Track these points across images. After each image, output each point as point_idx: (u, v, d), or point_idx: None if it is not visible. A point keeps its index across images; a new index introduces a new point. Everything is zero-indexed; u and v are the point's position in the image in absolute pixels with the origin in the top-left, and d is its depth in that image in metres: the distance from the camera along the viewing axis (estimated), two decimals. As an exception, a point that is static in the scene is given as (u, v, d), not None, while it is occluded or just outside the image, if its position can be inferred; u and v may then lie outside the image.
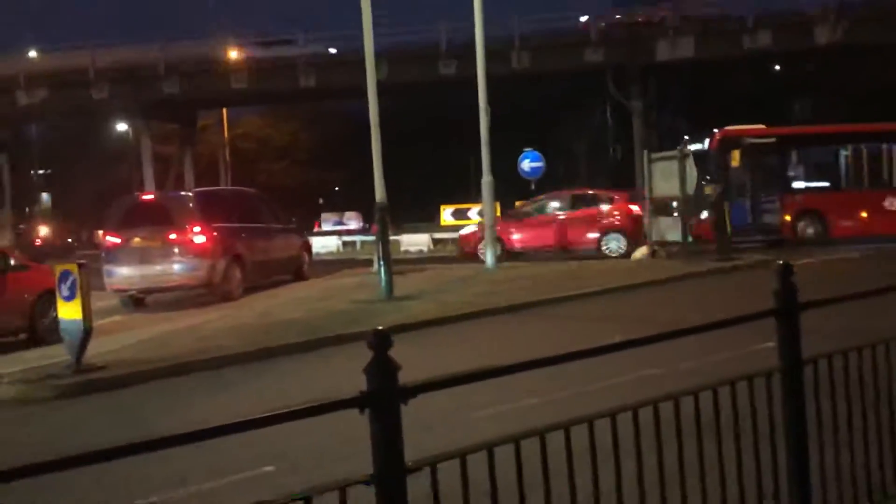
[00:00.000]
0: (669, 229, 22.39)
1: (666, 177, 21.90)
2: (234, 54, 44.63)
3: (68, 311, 10.68)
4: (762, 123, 29.23)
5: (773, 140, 27.29)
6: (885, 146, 27.49)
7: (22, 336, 14.60)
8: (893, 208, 26.58)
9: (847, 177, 27.71)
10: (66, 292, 10.64)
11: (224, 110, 53.42)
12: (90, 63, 42.38)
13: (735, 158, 27.00)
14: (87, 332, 10.73)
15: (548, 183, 38.94)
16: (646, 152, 23.63)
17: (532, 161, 30.49)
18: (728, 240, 22.44)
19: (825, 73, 52.22)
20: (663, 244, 22.72)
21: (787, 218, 26.94)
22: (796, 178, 27.63)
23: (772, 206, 27.09)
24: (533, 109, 57.11)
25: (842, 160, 27.73)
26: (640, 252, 23.06)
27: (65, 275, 10.67)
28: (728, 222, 22.67)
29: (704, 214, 24.94)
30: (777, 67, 53.34)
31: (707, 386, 3.91)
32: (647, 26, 41.32)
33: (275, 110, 66.48)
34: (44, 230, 56.14)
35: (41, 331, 14.37)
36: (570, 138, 59.45)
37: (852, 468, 4.46)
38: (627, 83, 42.31)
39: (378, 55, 19.07)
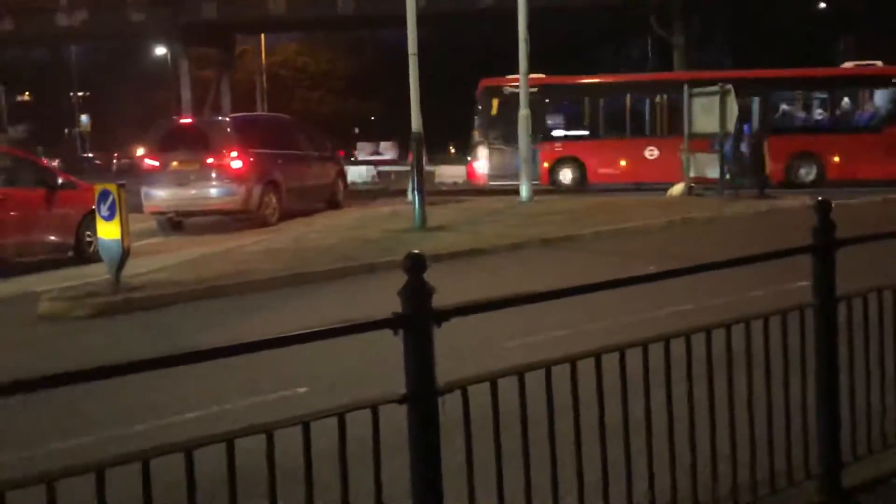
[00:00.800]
0: (707, 166, 22.19)
1: (706, 113, 21.65)
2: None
3: (107, 231, 10.81)
4: (806, 62, 28.89)
5: (533, 89, 27.55)
6: (647, 96, 28.07)
7: (69, 254, 14.81)
8: (654, 157, 26.76)
9: (606, 126, 27.95)
10: (105, 212, 10.76)
11: (262, 36, 53.17)
12: (130, -15, 42.26)
13: (495, 107, 27.74)
14: (125, 252, 10.87)
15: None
16: (686, 87, 23.31)
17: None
18: (766, 179, 22.24)
19: (871, 11, 51.02)
20: (701, 181, 22.55)
21: (546, 165, 27.45)
22: (555, 127, 27.50)
23: (532, 154, 27.42)
24: (574, 43, 56.36)
25: (601, 109, 28.07)
26: (676, 188, 22.88)
27: (104, 194, 10.78)
28: (766, 162, 22.44)
29: (480, 159, 26.12)
30: (823, 4, 52.18)
31: (740, 319, 3.92)
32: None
33: (312, 38, 66.10)
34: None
35: (87, 249, 14.56)
36: (611, 72, 58.77)
37: (883, 406, 4.47)
38: (670, 17, 41.57)
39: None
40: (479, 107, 28.15)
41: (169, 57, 50.58)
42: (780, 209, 19.65)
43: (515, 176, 25.54)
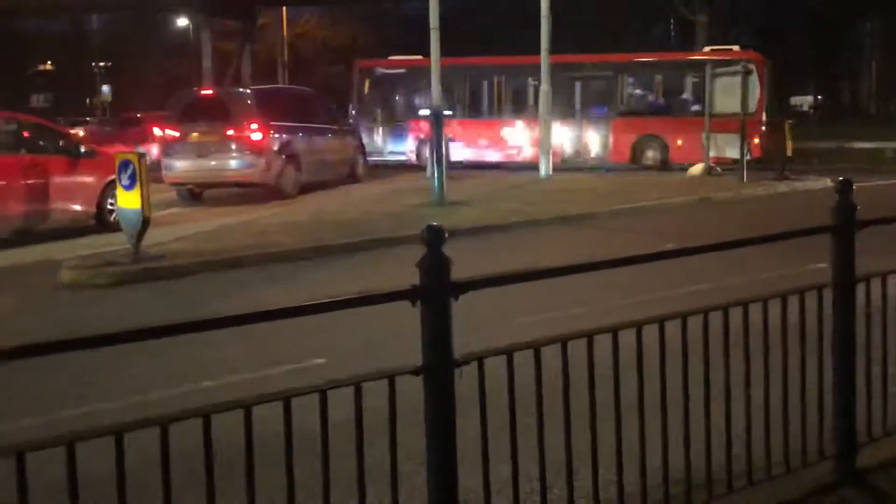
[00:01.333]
0: (728, 146, 22.06)
1: (728, 92, 21.50)
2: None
3: (128, 200, 10.85)
4: (830, 43, 28.61)
5: (402, 70, 28.53)
6: (502, 79, 28.70)
7: (92, 222, 14.87)
8: (508, 137, 27.36)
9: (468, 107, 28.46)
10: (125, 181, 10.80)
11: (283, 9, 53.04)
12: (151, -45, 42.22)
13: (367, 87, 29.03)
14: (145, 222, 10.91)
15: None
16: (708, 66, 23.13)
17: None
18: (787, 160, 22.10)
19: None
20: (720, 160, 22.43)
21: (413, 142, 27.97)
22: (423, 107, 27.60)
23: (402, 132, 28.40)
24: (598, 22, 56.00)
25: (465, 91, 28.53)
26: (696, 168, 22.77)
27: (125, 164, 10.82)
28: (790, 143, 22.28)
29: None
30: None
31: (757, 298, 3.91)
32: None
33: (334, 11, 65.87)
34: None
35: (108, 217, 14.60)
36: (632, 49, 58.35)
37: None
38: (693, -4, 41.21)
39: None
40: (355, 86, 29.33)
41: (190, 28, 50.55)
42: (800, 191, 19.55)
43: (385, 152, 27.84)
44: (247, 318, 2.69)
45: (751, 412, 3.86)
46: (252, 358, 6.67)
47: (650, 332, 3.55)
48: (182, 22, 52.85)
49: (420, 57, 25.52)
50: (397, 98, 29.49)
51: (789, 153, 22.33)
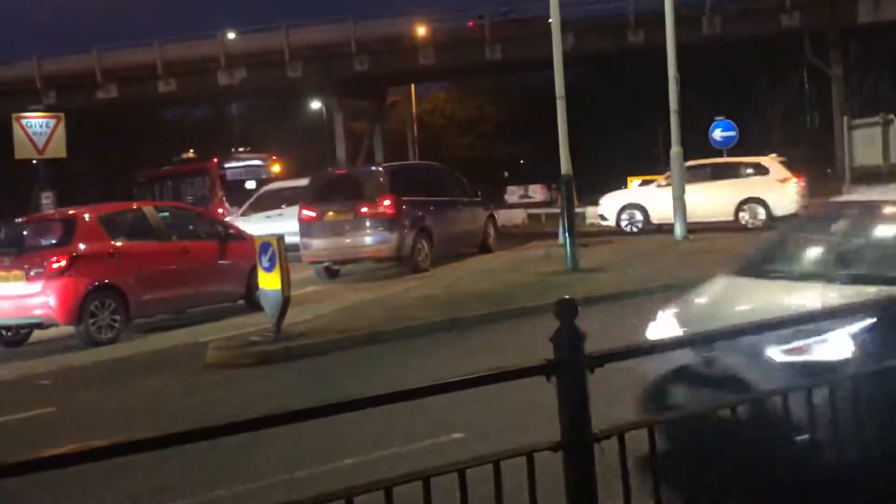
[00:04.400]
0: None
1: (867, 144, 20.86)
2: (421, 30, 45.25)
3: (268, 281, 11.19)
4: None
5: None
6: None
7: (240, 302, 15.40)
8: None
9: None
10: (266, 263, 11.15)
11: (412, 86, 54.30)
12: (285, 43, 43.89)
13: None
14: (285, 301, 11.21)
15: (741, 152, 37.72)
16: (845, 119, 22.54)
17: (724, 130, 29.55)
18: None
19: None
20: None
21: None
22: None
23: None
24: (725, 77, 55.35)
25: None
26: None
27: (265, 246, 11.18)
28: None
29: None
30: None
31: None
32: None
33: (461, 85, 67.06)
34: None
35: (256, 297, 15.07)
36: (764, 106, 57.28)
37: None
38: (826, 47, 40.32)
39: (564, 25, 18.94)
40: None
41: (324, 110, 52.19)
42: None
43: None
44: (383, 398, 2.73)
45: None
46: (392, 433, 6.72)
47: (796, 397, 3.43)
48: (315, 105, 54.66)
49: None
50: None
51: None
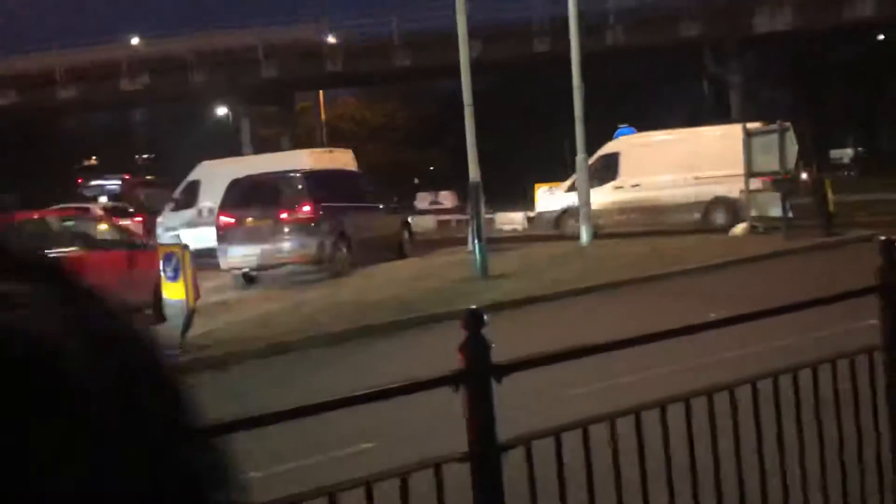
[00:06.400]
0: (769, 205, 21.92)
1: (765, 151, 21.43)
2: (330, 37, 45.11)
3: (172, 291, 11.00)
4: (866, 94, 28.36)
5: None
6: None
7: (147, 312, 15.04)
8: None
9: None
10: (170, 273, 10.95)
11: (321, 92, 54.06)
12: (190, 49, 43.30)
13: None
14: (190, 312, 11.03)
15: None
16: (744, 126, 23.12)
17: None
18: (830, 216, 21.91)
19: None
20: (763, 220, 22.27)
21: None
22: None
23: None
24: (628, 85, 56.37)
25: None
26: (739, 228, 22.62)
27: (168, 256, 10.99)
28: (830, 201, 22.11)
29: None
30: (881, 37, 51.52)
31: (806, 364, 3.84)
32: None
33: (370, 91, 67.02)
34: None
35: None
36: (666, 113, 58.59)
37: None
38: (725, 57, 41.41)
39: (472, 33, 19.08)
40: None
41: (230, 117, 51.60)
42: (845, 246, 19.29)
43: None
44: (287, 414, 2.69)
45: (808, 485, 3.77)
46: (298, 445, 6.64)
47: (699, 403, 3.49)
48: (222, 111, 54.00)
49: None
50: None
51: (831, 208, 22.16)
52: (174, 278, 10.93)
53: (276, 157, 28.09)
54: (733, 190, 23.63)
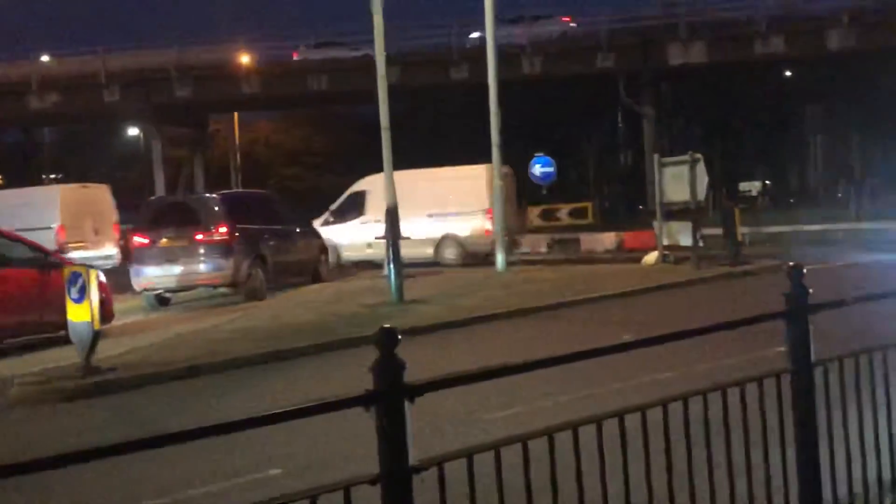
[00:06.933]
0: (680, 234, 22.33)
1: (676, 182, 21.84)
2: (244, 58, 44.73)
3: (77, 314, 10.68)
4: (775, 129, 29.14)
5: None
6: None
7: (62, 332, 14.52)
8: None
9: None
10: (75, 294, 10.64)
11: (235, 114, 53.51)
12: (101, 67, 42.51)
13: None
14: (95, 335, 10.72)
15: (559, 188, 38.88)
16: (656, 157, 23.56)
17: (543, 166, 30.45)
18: (738, 245, 22.42)
19: (838, 79, 52.05)
20: (673, 248, 22.67)
21: None
22: None
23: None
24: (545, 115, 57.05)
25: None
26: (651, 256, 22.99)
27: (74, 277, 10.68)
28: (738, 229, 22.63)
29: None
30: (788, 73, 53.16)
31: (716, 387, 3.88)
32: (658, 30, 41.19)
33: (287, 115, 66.59)
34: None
35: None
36: (582, 143, 59.41)
37: (864, 473, 4.41)
38: (639, 88, 42.20)
39: (390, 59, 19.10)
40: None
41: (141, 137, 50.76)
42: (753, 275, 19.74)
43: None
44: (193, 433, 2.59)
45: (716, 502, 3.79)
46: (207, 470, 6.49)
47: (611, 425, 3.50)
48: (133, 132, 53.11)
49: None
50: None
51: (739, 238, 22.71)
52: (80, 300, 10.61)
53: (27, 191, 27.20)
54: (464, 228, 26.16)
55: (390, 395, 2.86)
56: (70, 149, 62.09)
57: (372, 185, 25.76)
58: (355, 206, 27.42)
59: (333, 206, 28.41)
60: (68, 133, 63.29)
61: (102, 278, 15.48)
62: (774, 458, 4.03)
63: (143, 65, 42.73)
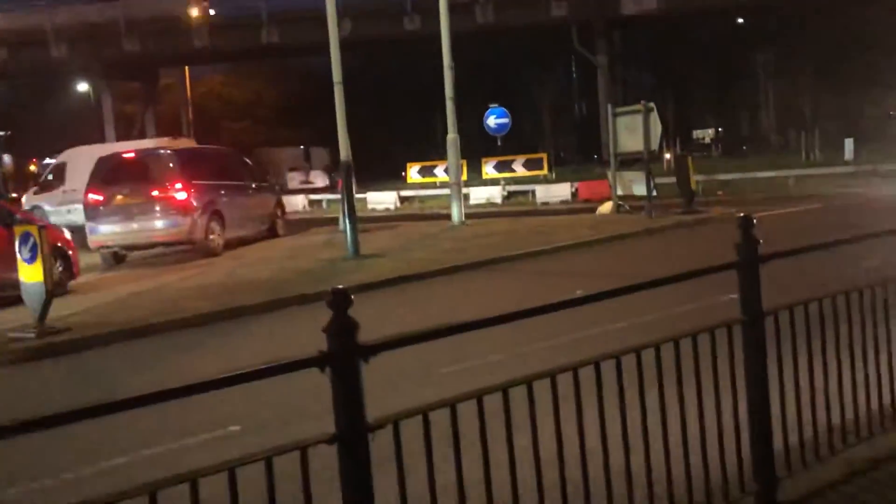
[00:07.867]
0: (634, 183, 22.46)
1: (630, 132, 21.90)
2: (195, 11, 43.98)
3: (29, 273, 10.54)
4: (727, 75, 29.30)
5: None
6: None
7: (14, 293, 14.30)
8: None
9: None
10: (26, 254, 10.48)
11: (186, 68, 52.73)
12: (48, 22, 41.63)
13: None
14: (48, 295, 10.60)
15: (514, 139, 38.84)
16: (609, 107, 23.61)
17: (498, 117, 30.37)
18: (692, 193, 22.60)
19: (789, 27, 52.33)
20: (627, 198, 22.81)
21: None
22: None
23: None
24: (499, 66, 56.84)
25: None
26: (605, 207, 23.12)
27: (25, 236, 10.52)
28: (692, 178, 22.79)
29: None
30: (740, 20, 53.34)
31: (669, 338, 3.93)
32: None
33: (238, 68, 65.72)
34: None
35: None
36: (536, 94, 59.34)
37: (814, 419, 4.51)
38: (593, 38, 42.15)
39: (341, 11, 18.88)
40: None
41: (91, 93, 49.89)
42: (707, 224, 19.93)
43: None
44: (150, 397, 2.58)
45: (670, 452, 3.86)
46: (165, 429, 6.47)
47: (565, 378, 3.54)
48: (83, 87, 52.16)
49: None
50: None
51: (693, 186, 22.87)
52: (31, 260, 10.47)
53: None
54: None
55: (344, 356, 2.87)
56: (19, 104, 60.87)
57: (73, 158, 28.79)
58: (60, 177, 29.73)
59: (41, 179, 31.10)
60: (18, 88, 62.05)
61: (68, 235, 15.32)
62: (727, 407, 4.10)
63: (90, 19, 41.89)
